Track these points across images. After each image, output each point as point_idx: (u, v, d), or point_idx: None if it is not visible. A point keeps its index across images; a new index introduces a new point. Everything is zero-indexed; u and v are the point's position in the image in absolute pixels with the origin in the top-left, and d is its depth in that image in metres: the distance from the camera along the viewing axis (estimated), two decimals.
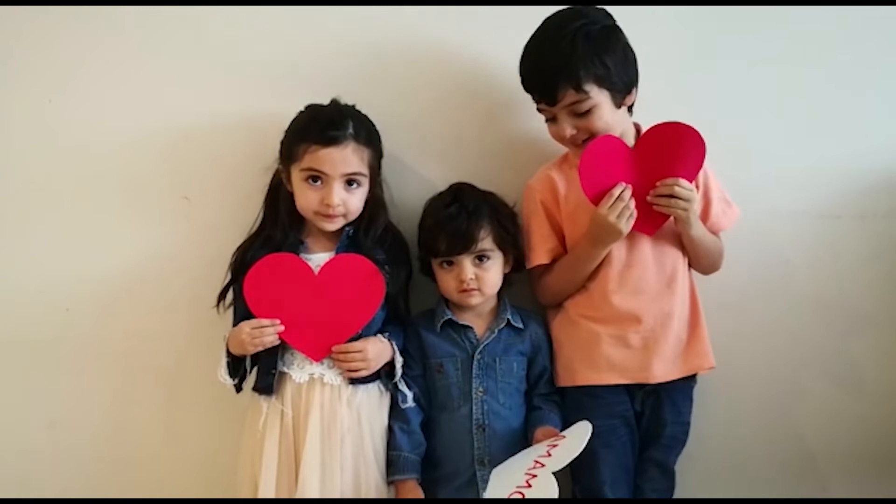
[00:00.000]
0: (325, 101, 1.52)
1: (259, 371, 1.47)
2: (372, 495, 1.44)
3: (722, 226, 1.57)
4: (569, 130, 1.44)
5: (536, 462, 1.38)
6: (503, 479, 1.39)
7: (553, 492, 1.34)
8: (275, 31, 1.64)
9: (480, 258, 1.50)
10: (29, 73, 1.63)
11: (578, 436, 1.39)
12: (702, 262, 1.55)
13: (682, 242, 1.53)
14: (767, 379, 1.72)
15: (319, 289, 1.44)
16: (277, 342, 1.42)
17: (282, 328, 1.41)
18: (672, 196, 1.42)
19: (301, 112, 1.51)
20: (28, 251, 1.65)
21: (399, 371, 1.49)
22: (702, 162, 1.44)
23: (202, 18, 1.63)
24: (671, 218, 1.47)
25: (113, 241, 1.65)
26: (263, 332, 1.40)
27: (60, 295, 1.65)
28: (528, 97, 1.50)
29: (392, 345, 1.48)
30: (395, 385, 1.50)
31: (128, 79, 1.64)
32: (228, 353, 1.45)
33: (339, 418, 1.43)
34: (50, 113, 1.64)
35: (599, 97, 1.42)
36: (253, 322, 1.41)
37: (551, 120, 1.48)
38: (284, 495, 1.41)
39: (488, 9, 1.64)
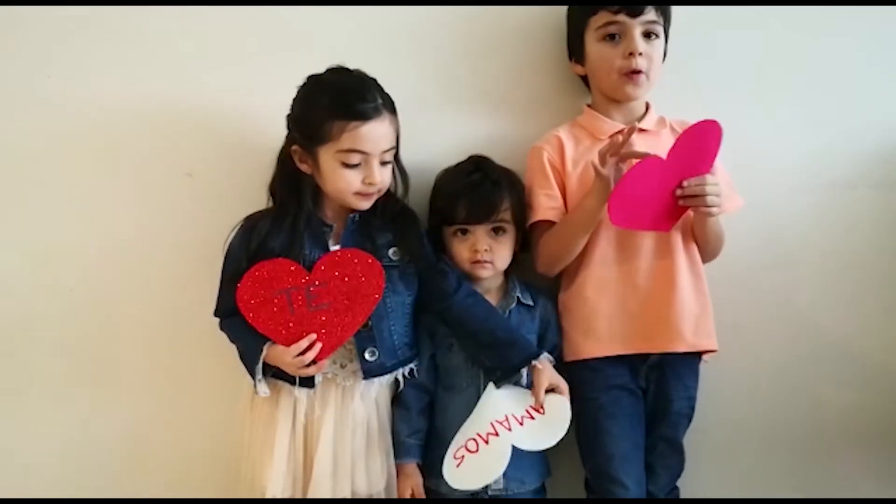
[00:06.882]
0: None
1: None
2: (385, 481, 1.47)
3: (726, 208, 1.52)
4: (641, 46, 1.48)
5: (507, 419, 1.40)
6: (475, 418, 1.41)
7: (493, 474, 1.37)
8: (276, 4, 1.61)
9: (496, 230, 1.48)
10: (27, 47, 1.60)
11: (556, 424, 1.40)
12: (709, 245, 1.53)
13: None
14: (779, 352, 1.70)
15: (315, 288, 1.37)
16: (325, 366, 1.39)
17: (320, 346, 1.36)
18: (702, 194, 1.40)
19: (309, 84, 1.41)
20: (30, 229, 1.63)
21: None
22: (717, 152, 1.42)
23: None
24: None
25: (116, 217, 1.64)
26: (306, 359, 1.35)
27: (64, 274, 1.64)
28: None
29: None
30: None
31: (128, 54, 1.61)
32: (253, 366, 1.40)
33: (352, 412, 1.44)
34: (49, 88, 1.61)
35: (661, 33, 1.51)
36: (291, 349, 1.35)
37: (613, 39, 1.49)
38: (291, 483, 1.43)
39: None
